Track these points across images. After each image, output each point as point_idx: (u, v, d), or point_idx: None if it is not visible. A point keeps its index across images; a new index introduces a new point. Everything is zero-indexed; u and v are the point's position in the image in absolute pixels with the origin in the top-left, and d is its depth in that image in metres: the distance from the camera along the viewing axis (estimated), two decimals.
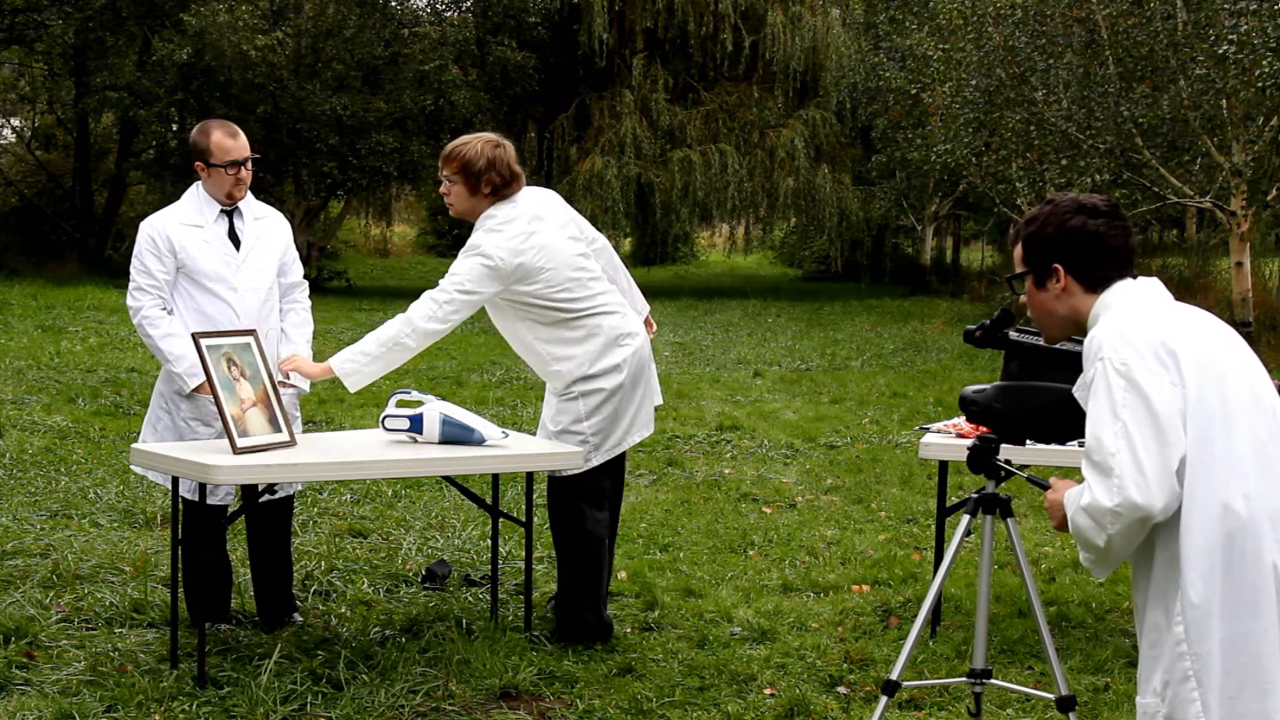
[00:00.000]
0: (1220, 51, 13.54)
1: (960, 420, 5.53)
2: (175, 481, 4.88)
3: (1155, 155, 15.74)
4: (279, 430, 4.84)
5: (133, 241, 5.28)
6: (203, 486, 4.73)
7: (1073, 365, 3.25)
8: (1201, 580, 2.79)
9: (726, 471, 8.90)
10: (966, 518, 3.92)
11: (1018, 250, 3.15)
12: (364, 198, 28.75)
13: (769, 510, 7.81)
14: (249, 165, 5.23)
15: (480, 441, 5.01)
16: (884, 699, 3.91)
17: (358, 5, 24.42)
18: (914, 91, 20.50)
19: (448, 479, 5.84)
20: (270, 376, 4.93)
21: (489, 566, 5.89)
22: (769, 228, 34.19)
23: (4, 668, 4.75)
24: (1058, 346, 3.52)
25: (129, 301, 5.16)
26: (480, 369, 13.89)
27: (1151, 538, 2.86)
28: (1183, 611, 2.81)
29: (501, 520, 5.55)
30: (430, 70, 24.14)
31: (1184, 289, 17.94)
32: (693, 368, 14.78)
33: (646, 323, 5.58)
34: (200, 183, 5.26)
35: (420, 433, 5.05)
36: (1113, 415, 2.80)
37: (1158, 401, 2.78)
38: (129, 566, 6.06)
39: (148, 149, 24.80)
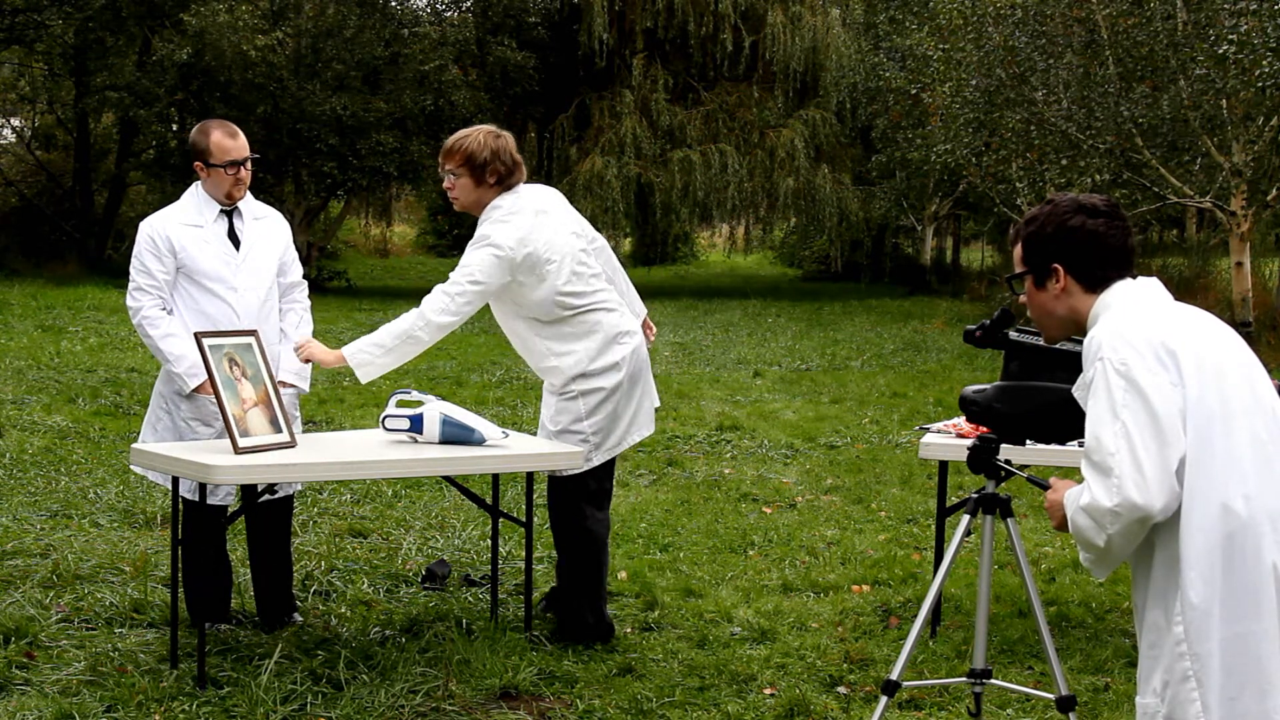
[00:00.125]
0: (1220, 51, 13.53)
1: (960, 420, 5.53)
2: (175, 481, 4.88)
3: (1155, 155, 15.74)
4: (279, 431, 4.84)
5: (133, 241, 5.28)
6: (203, 486, 4.73)
7: (1073, 365, 3.25)
8: (1201, 580, 2.79)
9: (726, 471, 8.90)
10: (966, 518, 3.92)
11: (1017, 250, 3.15)
12: (364, 198, 28.76)
13: (769, 510, 7.81)
14: (248, 165, 5.24)
15: (480, 441, 5.01)
16: (884, 699, 3.91)
17: (358, 5, 24.42)
18: (914, 91, 20.50)
19: (448, 479, 5.84)
20: (271, 377, 4.93)
21: (489, 566, 5.89)
22: (769, 228, 34.18)
23: (4, 668, 4.75)
24: (1058, 346, 3.52)
25: (129, 301, 5.16)
26: (480, 369, 13.89)
27: (1151, 538, 2.86)
28: (1182, 612, 2.81)
29: (501, 520, 5.55)
30: (430, 70, 24.13)
31: (1184, 289, 17.94)
32: (693, 368, 14.78)
33: (645, 326, 5.58)
34: (200, 183, 5.27)
35: (420, 433, 5.06)
36: (1112, 415, 2.80)
37: (1157, 401, 2.78)
38: (129, 566, 6.06)
39: (148, 149, 24.80)
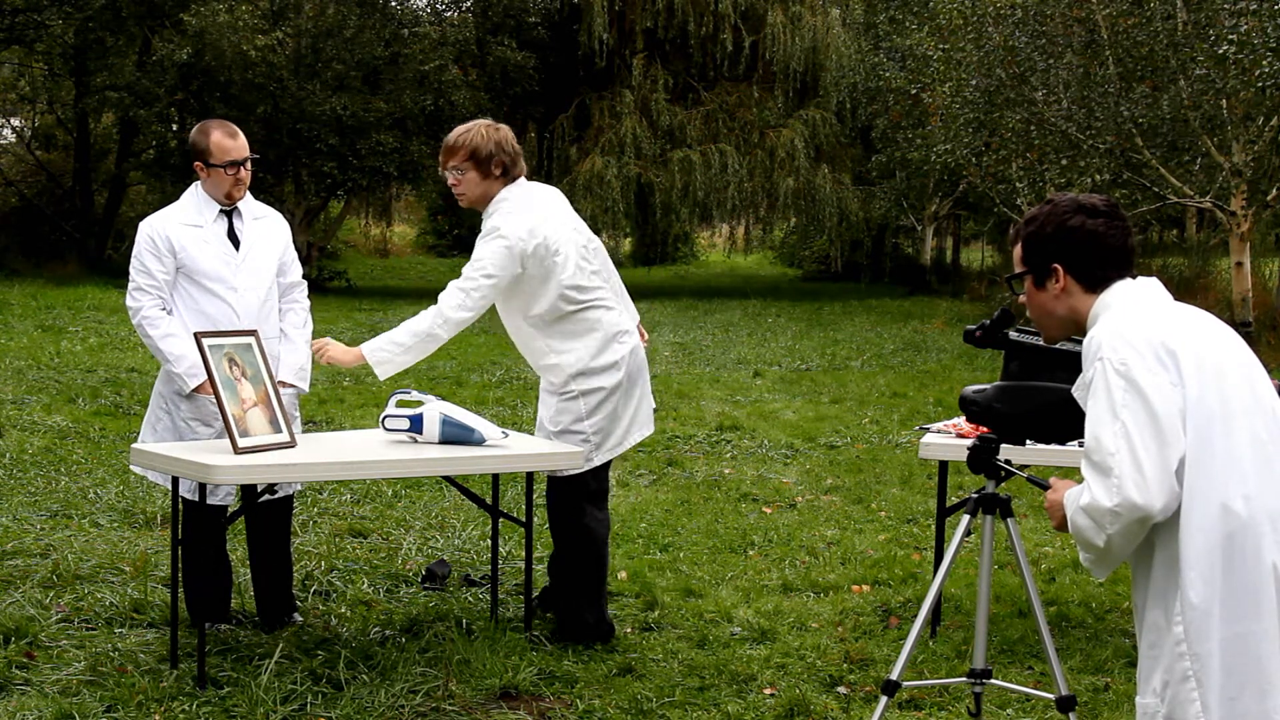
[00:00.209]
0: (1220, 51, 13.53)
1: (960, 420, 5.53)
2: (175, 481, 4.88)
3: (1155, 155, 15.74)
4: (279, 431, 4.84)
5: (132, 241, 5.28)
6: (203, 486, 4.73)
7: (1073, 365, 3.25)
8: (1201, 580, 2.79)
9: (726, 471, 8.90)
10: (966, 518, 3.92)
11: (1017, 250, 3.15)
12: (364, 198, 28.76)
13: (769, 510, 7.81)
14: (248, 165, 5.24)
15: (480, 441, 5.01)
16: (884, 699, 3.91)
17: (358, 5, 24.42)
18: (914, 91, 20.50)
19: (448, 479, 5.84)
20: (271, 377, 4.93)
21: (489, 566, 5.89)
22: (769, 228, 34.16)
23: (4, 668, 4.75)
24: (1058, 346, 3.52)
25: (128, 302, 5.16)
26: (480, 369, 13.89)
27: (1151, 538, 2.86)
28: (1182, 612, 2.81)
29: (501, 520, 5.55)
30: (430, 70, 24.14)
31: (1184, 289, 17.94)
32: (693, 368, 14.78)
33: (639, 331, 5.58)
34: (199, 183, 5.27)
35: (420, 433, 5.06)
36: (1112, 415, 2.80)
37: (1157, 401, 2.78)
38: (129, 566, 6.06)
39: (148, 149, 24.80)
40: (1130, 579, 3.01)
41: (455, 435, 5.02)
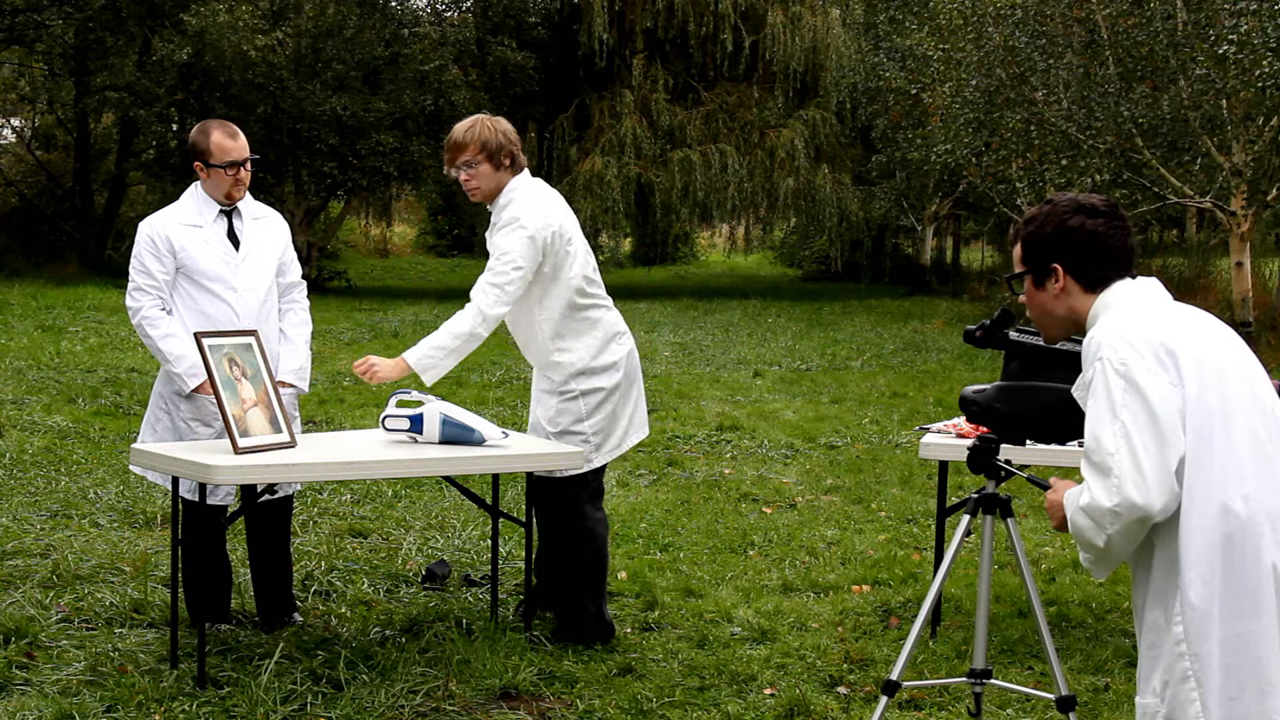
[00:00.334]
0: (1220, 51, 13.53)
1: (960, 420, 5.53)
2: (175, 482, 4.88)
3: (1155, 155, 15.74)
4: (279, 431, 4.84)
5: (132, 241, 5.28)
6: (203, 487, 4.73)
7: (1073, 365, 3.25)
8: (1201, 581, 2.79)
9: (726, 471, 8.90)
10: (966, 518, 3.92)
11: (1017, 250, 3.15)
12: (364, 198, 28.74)
13: (769, 510, 7.81)
14: (248, 166, 5.24)
15: (480, 441, 5.01)
16: (884, 699, 3.91)
17: (358, 5, 24.41)
18: (914, 91, 20.49)
19: (448, 479, 5.84)
20: (271, 377, 4.93)
21: (489, 566, 5.89)
22: (769, 228, 34.14)
23: (4, 668, 4.75)
24: (1058, 346, 3.52)
25: (128, 302, 5.16)
26: (480, 369, 13.89)
27: (1151, 538, 2.86)
28: (1182, 612, 2.81)
29: (501, 520, 5.55)
30: (430, 70, 24.13)
31: (1184, 289, 17.94)
32: (693, 368, 14.78)
33: None
34: (199, 183, 5.27)
35: (420, 433, 5.06)
36: (1112, 415, 2.80)
37: (1157, 401, 2.78)
38: (129, 566, 6.06)
39: (148, 149, 24.79)
40: (1130, 579, 3.01)
41: (455, 435, 5.02)
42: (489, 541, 6.08)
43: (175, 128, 24.37)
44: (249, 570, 5.51)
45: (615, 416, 5.28)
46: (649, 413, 5.62)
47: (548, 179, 26.16)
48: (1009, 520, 3.91)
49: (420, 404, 5.09)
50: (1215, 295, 18.07)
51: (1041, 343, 3.55)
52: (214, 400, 4.83)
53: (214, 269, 5.16)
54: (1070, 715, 3.83)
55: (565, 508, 5.27)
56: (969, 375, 14.23)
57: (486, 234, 5.28)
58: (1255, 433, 2.84)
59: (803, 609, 5.82)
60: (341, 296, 24.02)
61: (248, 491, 5.13)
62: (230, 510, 5.23)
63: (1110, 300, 3.00)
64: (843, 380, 13.80)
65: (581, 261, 5.23)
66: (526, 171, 5.28)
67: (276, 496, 5.33)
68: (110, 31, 23.63)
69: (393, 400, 5.16)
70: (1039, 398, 3.57)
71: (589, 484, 5.28)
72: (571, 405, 5.24)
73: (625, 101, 26.06)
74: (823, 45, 26.10)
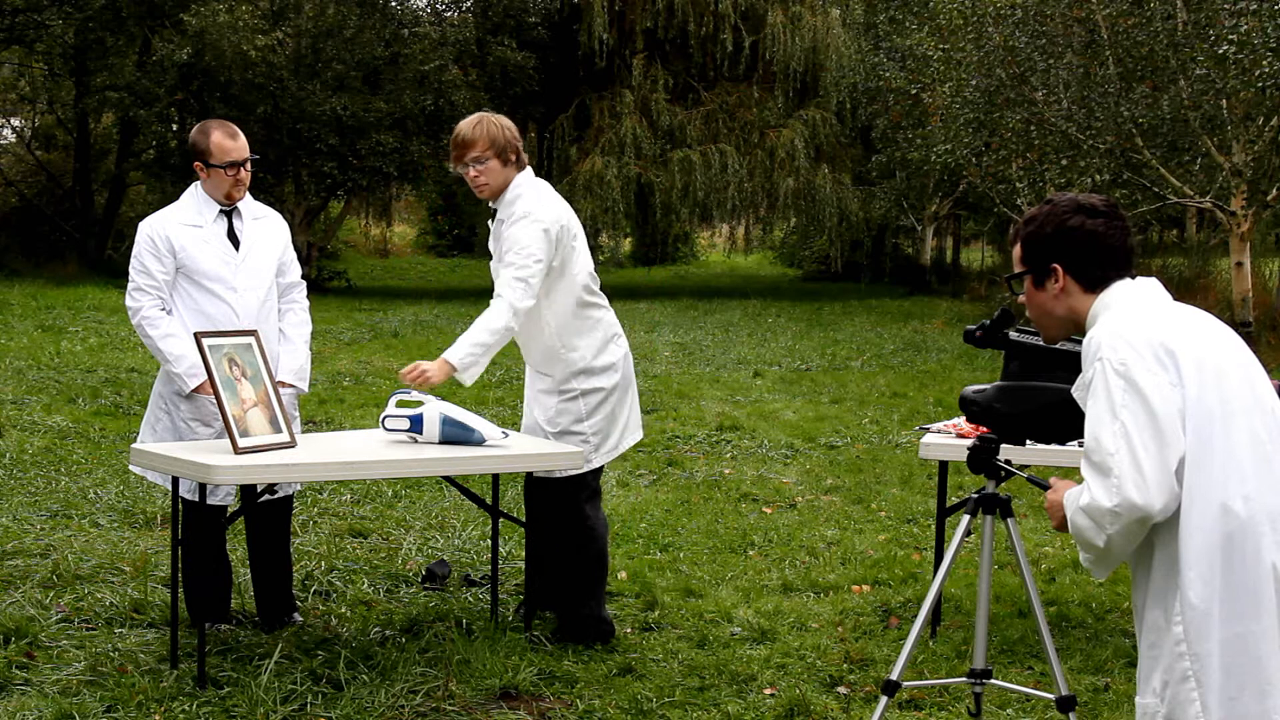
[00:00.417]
0: (1220, 51, 13.53)
1: (960, 420, 5.53)
2: (175, 482, 4.88)
3: (1155, 155, 15.74)
4: (279, 431, 4.84)
5: (132, 241, 5.28)
6: (203, 487, 4.73)
7: (1073, 365, 3.25)
8: (1201, 581, 2.79)
9: (726, 471, 8.90)
10: (966, 518, 3.92)
11: (1017, 250, 3.15)
12: (364, 198, 28.74)
13: (769, 510, 7.81)
14: (248, 166, 5.24)
15: (480, 441, 5.01)
16: (884, 699, 3.91)
17: (358, 5, 24.41)
18: (914, 91, 20.49)
19: (448, 479, 5.84)
20: (271, 377, 4.93)
21: (489, 566, 5.90)
22: (769, 228, 34.13)
23: (4, 668, 4.75)
24: (1058, 346, 3.52)
25: (128, 302, 5.16)
26: None
27: (1151, 538, 2.86)
28: (1182, 612, 2.81)
29: (501, 520, 5.55)
30: (430, 70, 24.13)
31: (1184, 289, 17.93)
32: (693, 368, 14.78)
33: None
34: (199, 183, 5.27)
35: (420, 433, 5.06)
36: (1111, 415, 2.80)
37: (1156, 402, 2.78)
38: (129, 566, 6.06)
39: (148, 149, 24.78)
40: (1130, 579, 3.01)
41: (455, 435, 5.02)
42: (489, 541, 6.08)
43: (175, 128, 24.37)
44: (249, 570, 5.51)
45: (614, 417, 5.30)
46: (649, 413, 5.63)
47: (548, 179, 26.02)
48: (1009, 520, 3.91)
49: (420, 404, 5.09)
50: (1215, 295, 18.07)
51: (1041, 343, 3.55)
52: (214, 400, 4.83)
53: (214, 269, 5.16)
54: (1070, 715, 3.83)
55: (565, 508, 5.27)
56: (969, 375, 14.23)
57: (490, 231, 5.29)
58: (1255, 433, 2.84)
59: (803, 609, 5.82)
60: (341, 296, 24.02)
61: (248, 491, 5.14)
62: (230, 510, 5.23)
63: (1110, 300, 3.00)
64: (843, 380, 13.80)
65: (586, 258, 5.27)
66: (529, 169, 5.29)
67: (276, 496, 5.33)
68: (110, 31, 23.62)
69: (393, 400, 5.16)
70: (1039, 398, 3.57)
71: (588, 484, 5.29)
72: (571, 405, 5.24)
73: (625, 101, 26.06)
74: (823, 45, 26.10)
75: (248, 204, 5.33)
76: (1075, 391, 2.98)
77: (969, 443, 3.95)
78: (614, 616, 5.47)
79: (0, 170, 27.65)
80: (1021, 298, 3.17)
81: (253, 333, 4.97)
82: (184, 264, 5.14)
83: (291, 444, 4.86)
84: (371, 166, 24.20)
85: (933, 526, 6.53)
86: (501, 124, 5.20)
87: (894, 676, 3.89)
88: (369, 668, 4.79)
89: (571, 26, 27.02)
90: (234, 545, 6.11)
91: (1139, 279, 3.03)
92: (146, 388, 10.32)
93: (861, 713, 4.62)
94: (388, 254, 38.75)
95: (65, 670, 4.77)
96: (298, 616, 5.42)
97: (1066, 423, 3.41)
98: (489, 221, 5.41)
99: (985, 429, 3.80)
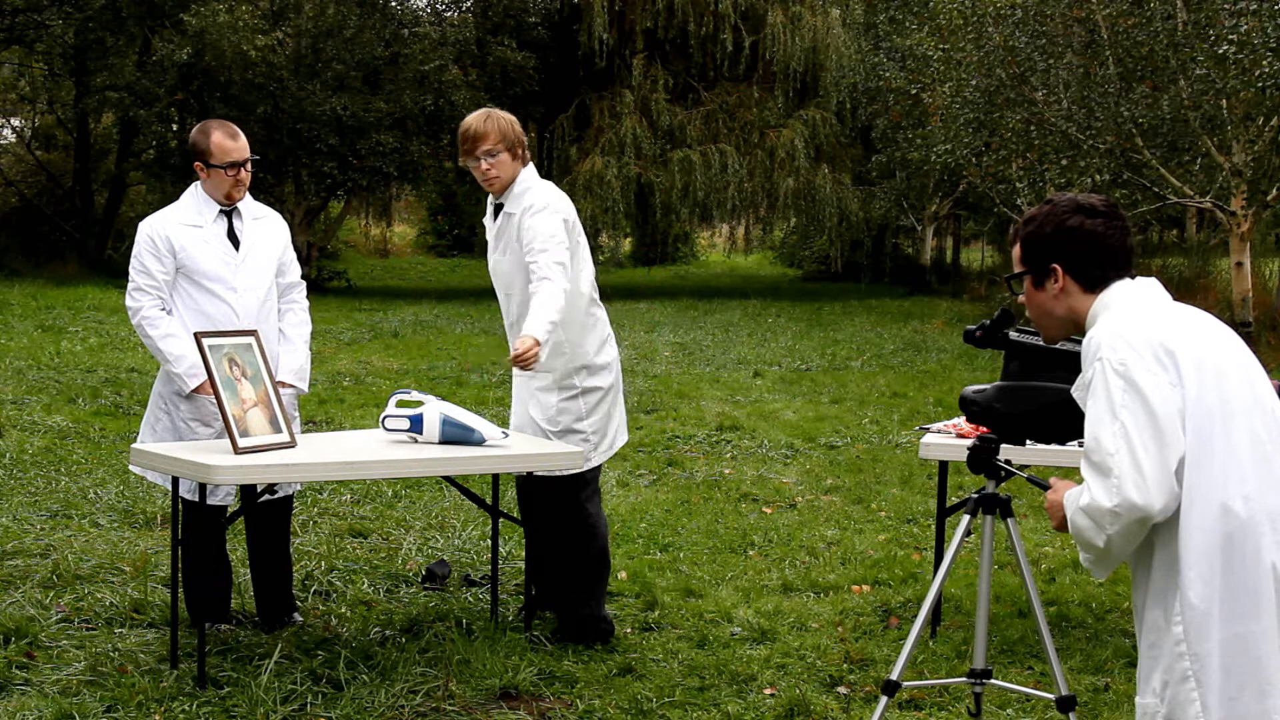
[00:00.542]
0: (1220, 51, 13.53)
1: (960, 420, 5.53)
2: (175, 482, 4.88)
3: (1155, 155, 15.73)
4: (279, 431, 4.84)
5: (132, 241, 5.28)
6: (203, 487, 4.73)
7: (1073, 365, 3.25)
8: (1201, 581, 2.79)
9: (726, 471, 8.90)
10: (966, 518, 3.92)
11: (1016, 250, 3.15)
12: (364, 198, 28.75)
13: (769, 510, 7.81)
14: (248, 166, 5.24)
15: (480, 441, 5.01)
16: (884, 699, 3.91)
17: (358, 5, 24.41)
18: (914, 91, 20.49)
19: (448, 479, 5.84)
20: (271, 377, 4.93)
21: (489, 566, 5.90)
22: (769, 228, 34.11)
23: (4, 668, 4.75)
24: (1058, 346, 3.52)
25: (128, 302, 5.16)
26: (480, 369, 13.89)
27: (1151, 538, 2.86)
28: (1182, 612, 2.81)
29: (501, 520, 5.55)
30: (430, 70, 24.13)
31: (1184, 289, 17.93)
32: (693, 368, 14.78)
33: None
34: (199, 183, 5.27)
35: (420, 433, 5.06)
36: (1111, 415, 2.80)
37: (1156, 402, 2.78)
38: (129, 566, 6.06)
39: (148, 149, 24.79)
40: (1130, 579, 3.01)
41: (455, 435, 5.02)
42: (489, 541, 6.08)
43: (175, 128, 24.37)
44: (249, 570, 5.51)
45: (610, 417, 5.35)
46: (649, 413, 5.64)
47: (548, 179, 26.17)
48: (1009, 520, 3.91)
49: (420, 404, 5.10)
50: (1215, 295, 18.07)
51: (1041, 343, 3.55)
52: (214, 400, 4.83)
53: (214, 269, 5.16)
54: (1070, 715, 3.83)
55: (567, 506, 5.28)
56: (969, 375, 14.23)
57: (491, 226, 5.29)
58: (1255, 433, 2.84)
59: (803, 609, 5.82)
60: (341, 296, 24.02)
61: (248, 491, 5.14)
62: (230, 510, 5.23)
63: (1110, 300, 3.00)
64: (843, 380, 13.80)
65: (588, 255, 5.33)
66: (532, 165, 5.33)
67: (276, 496, 5.33)
68: (110, 31, 23.63)
69: (393, 400, 5.16)
70: (1039, 398, 3.57)
71: (589, 482, 5.30)
72: (572, 404, 5.25)
73: (625, 101, 26.05)
74: (823, 45, 26.09)
75: (248, 204, 5.33)
76: (1075, 391, 2.98)
77: (969, 443, 3.95)
78: (614, 616, 5.47)
79: (0, 170, 27.65)
80: (1021, 298, 3.17)
81: (253, 333, 4.97)
82: (184, 264, 5.14)
83: (291, 444, 4.86)
84: (371, 166, 24.21)
85: (933, 526, 6.53)
86: (509, 119, 5.25)
87: (894, 676, 3.89)
88: (369, 668, 4.79)
89: (571, 26, 27.02)
90: (234, 545, 6.11)
91: (1139, 279, 3.03)
92: (146, 388, 10.32)
93: (861, 713, 4.62)
94: (388, 254, 38.75)
95: (65, 670, 4.77)
96: (298, 616, 5.42)
97: (1066, 423, 3.41)
98: (484, 219, 5.43)
99: (985, 429, 3.80)
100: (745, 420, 10.96)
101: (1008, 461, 3.90)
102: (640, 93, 26.33)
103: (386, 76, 24.68)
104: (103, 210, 26.84)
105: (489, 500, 5.51)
